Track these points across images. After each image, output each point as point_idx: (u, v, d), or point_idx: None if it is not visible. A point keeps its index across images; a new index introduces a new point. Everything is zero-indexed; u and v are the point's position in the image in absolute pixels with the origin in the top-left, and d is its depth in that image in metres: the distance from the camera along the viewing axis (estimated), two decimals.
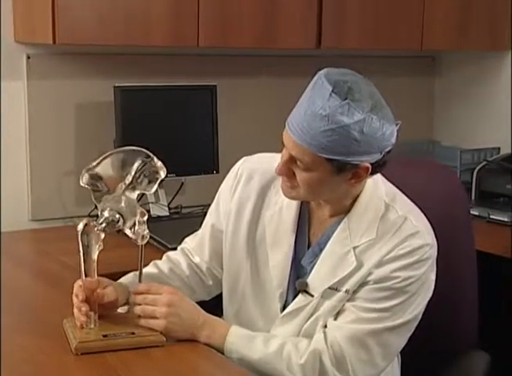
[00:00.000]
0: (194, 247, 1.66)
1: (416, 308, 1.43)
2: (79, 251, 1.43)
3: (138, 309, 1.45)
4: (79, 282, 1.45)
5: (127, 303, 1.52)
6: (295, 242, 1.50)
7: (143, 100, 2.46)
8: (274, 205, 1.52)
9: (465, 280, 1.73)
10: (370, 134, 1.32)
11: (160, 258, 1.68)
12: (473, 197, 2.76)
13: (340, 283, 1.43)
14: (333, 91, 1.31)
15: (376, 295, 1.40)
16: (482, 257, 1.87)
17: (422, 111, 3.32)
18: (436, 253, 1.45)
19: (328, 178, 1.38)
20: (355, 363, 1.39)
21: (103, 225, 1.42)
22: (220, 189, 1.64)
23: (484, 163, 2.83)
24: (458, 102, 3.27)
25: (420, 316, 1.46)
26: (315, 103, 1.33)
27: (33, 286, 1.89)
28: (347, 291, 1.43)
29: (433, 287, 1.46)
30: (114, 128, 2.41)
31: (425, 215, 1.47)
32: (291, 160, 1.39)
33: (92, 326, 1.44)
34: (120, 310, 1.53)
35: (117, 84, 2.41)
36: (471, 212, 1.95)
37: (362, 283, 1.42)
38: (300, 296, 1.47)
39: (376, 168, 1.39)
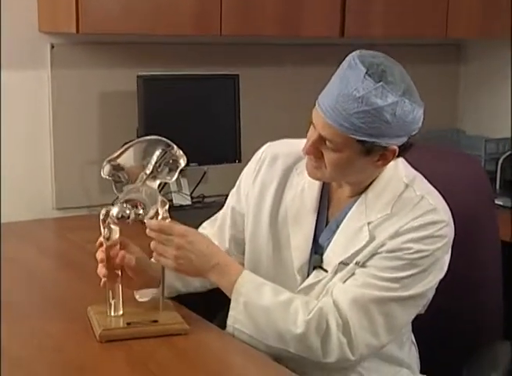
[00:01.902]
0: (214, 233, 1.67)
1: (425, 285, 1.42)
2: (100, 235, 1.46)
3: (152, 244, 1.46)
4: (99, 250, 1.48)
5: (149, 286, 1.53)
6: (316, 222, 1.51)
7: (166, 89, 2.47)
8: (296, 186, 1.54)
9: (490, 270, 1.72)
10: (402, 117, 1.35)
11: None
12: (497, 187, 2.74)
13: (352, 257, 1.45)
14: (367, 73, 1.33)
15: (387, 264, 1.40)
16: (506, 247, 1.86)
17: (447, 100, 3.29)
18: (452, 235, 1.45)
19: (356, 160, 1.39)
20: (358, 328, 1.39)
21: (115, 220, 1.43)
22: (242, 173, 1.65)
23: (509, 153, 2.81)
24: (483, 90, 3.24)
25: (429, 296, 1.46)
26: (348, 84, 1.34)
27: (57, 274, 1.92)
28: (357, 263, 1.44)
29: (445, 268, 1.46)
30: (137, 118, 2.43)
31: (448, 203, 1.47)
32: (320, 141, 1.40)
33: (117, 313, 1.46)
34: (143, 299, 1.55)
35: (140, 74, 2.42)
36: (495, 202, 1.93)
37: (374, 254, 1.42)
38: (315, 272, 1.49)
39: (403, 150, 1.42)
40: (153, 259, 1.48)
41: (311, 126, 1.43)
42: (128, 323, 1.43)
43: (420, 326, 1.57)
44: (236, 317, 1.44)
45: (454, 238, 1.46)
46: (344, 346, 1.39)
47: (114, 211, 1.41)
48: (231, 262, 1.49)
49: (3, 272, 1.82)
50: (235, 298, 1.43)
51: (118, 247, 1.46)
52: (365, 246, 1.43)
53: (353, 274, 1.44)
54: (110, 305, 1.46)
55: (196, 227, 1.79)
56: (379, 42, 1.48)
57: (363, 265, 1.43)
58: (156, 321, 1.45)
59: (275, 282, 1.51)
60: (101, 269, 1.47)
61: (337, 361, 1.40)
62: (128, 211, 1.41)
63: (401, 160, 1.49)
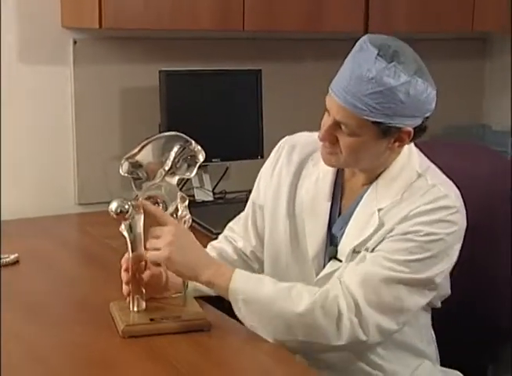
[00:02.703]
0: (240, 231, 1.69)
1: (435, 271, 1.41)
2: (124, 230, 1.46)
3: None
4: (126, 254, 1.48)
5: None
6: (330, 211, 1.52)
7: (188, 85, 2.48)
8: (311, 176, 1.56)
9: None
10: (416, 96, 1.36)
11: (205, 245, 1.69)
12: None
13: (363, 244, 1.45)
14: (378, 54, 1.35)
15: (396, 246, 1.40)
16: None
17: (472, 95, 3.26)
18: (464, 225, 1.44)
19: (372, 143, 1.40)
20: (368, 307, 1.38)
21: (114, 215, 1.42)
22: (262, 168, 1.67)
23: None
24: (509, 85, 3.20)
25: (438, 284, 1.44)
26: (360, 66, 1.35)
27: (80, 269, 1.93)
28: (366, 249, 1.44)
29: (455, 258, 1.44)
30: (159, 113, 2.43)
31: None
32: (335, 126, 1.41)
33: (139, 309, 1.46)
34: (176, 294, 1.55)
35: (162, 69, 2.43)
36: None
37: (383, 239, 1.42)
38: (330, 263, 1.50)
39: (418, 132, 1.42)
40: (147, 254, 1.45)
41: (326, 113, 1.44)
42: (151, 319, 1.44)
43: (438, 320, 1.57)
44: (239, 316, 1.43)
45: (475, 232, 1.46)
46: (355, 326, 1.37)
47: (113, 205, 1.41)
48: (223, 264, 1.49)
49: (25, 267, 1.84)
50: (233, 298, 1.42)
51: (143, 263, 1.47)
52: (374, 232, 1.43)
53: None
54: (133, 301, 1.47)
55: (220, 225, 1.82)
56: (402, 37, 1.47)
57: (373, 251, 1.43)
58: (179, 317, 1.45)
59: (296, 274, 1.51)
60: (125, 289, 1.48)
61: (349, 343, 1.38)
62: (126, 206, 1.41)
63: (415, 150, 1.50)
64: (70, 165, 2.48)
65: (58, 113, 2.44)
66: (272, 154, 1.65)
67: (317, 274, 1.50)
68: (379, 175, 1.48)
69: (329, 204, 1.52)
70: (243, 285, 1.41)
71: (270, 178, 1.61)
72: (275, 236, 1.59)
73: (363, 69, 1.35)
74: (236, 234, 1.70)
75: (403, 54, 1.36)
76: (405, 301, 1.40)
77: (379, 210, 1.44)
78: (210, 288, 1.46)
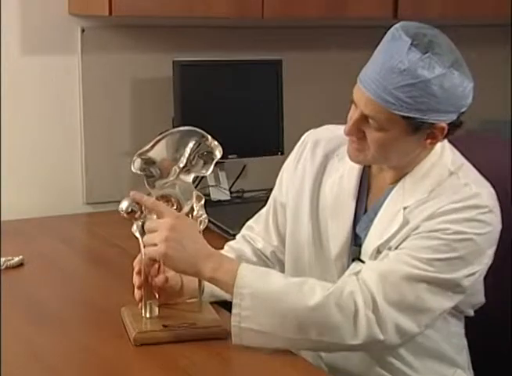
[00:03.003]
0: (260, 230, 1.69)
1: (461, 273, 1.38)
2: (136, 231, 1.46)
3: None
4: (138, 255, 1.48)
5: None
6: (355, 210, 1.52)
7: (204, 76, 2.48)
8: (335, 172, 1.55)
9: None
10: (451, 90, 1.34)
11: (222, 247, 1.70)
12: None
13: (386, 243, 1.44)
14: (412, 44, 1.33)
15: (421, 243, 1.38)
16: None
17: (509, 86, 3.23)
18: (499, 227, 1.42)
19: (401, 139, 1.39)
20: (386, 304, 1.35)
21: (124, 215, 1.43)
22: (285, 163, 1.67)
23: None
24: None
25: (465, 288, 1.41)
26: (392, 57, 1.34)
27: (88, 272, 1.94)
28: (389, 248, 1.43)
29: (487, 262, 1.42)
30: (173, 106, 2.43)
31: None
32: (362, 119, 1.40)
33: (152, 315, 1.47)
34: (191, 300, 1.55)
35: (176, 59, 2.43)
36: None
37: (407, 237, 1.41)
38: (353, 264, 1.50)
39: (452, 129, 1.41)
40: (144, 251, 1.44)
41: (353, 105, 1.43)
42: (165, 326, 1.44)
43: (471, 328, 1.57)
44: (241, 315, 1.38)
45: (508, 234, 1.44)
46: (372, 324, 1.35)
47: (124, 204, 1.42)
48: (224, 255, 1.48)
49: (30, 270, 1.85)
50: (238, 293, 1.38)
51: (157, 266, 1.47)
52: (398, 230, 1.42)
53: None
54: (146, 306, 1.47)
55: (237, 226, 1.83)
56: (435, 23, 1.46)
57: (396, 249, 1.42)
58: (194, 324, 1.45)
59: (317, 276, 1.50)
60: (137, 293, 1.48)
61: (366, 343, 1.36)
62: (138, 205, 1.41)
63: (449, 146, 1.49)
64: (78, 162, 2.49)
65: (64, 106, 2.45)
66: (295, 149, 1.65)
67: (339, 276, 1.50)
68: (408, 172, 1.47)
69: (354, 202, 1.52)
70: (250, 278, 1.39)
71: (293, 175, 1.62)
72: (297, 236, 1.59)
73: (395, 60, 1.33)
74: (255, 234, 1.70)
75: (439, 44, 1.35)
76: (427, 302, 1.38)
77: (404, 208, 1.43)
78: (213, 284, 1.44)
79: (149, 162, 1.45)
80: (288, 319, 1.37)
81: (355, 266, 1.49)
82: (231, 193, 2.56)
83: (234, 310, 1.39)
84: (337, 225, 1.52)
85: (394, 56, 1.34)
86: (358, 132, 1.42)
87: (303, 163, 1.61)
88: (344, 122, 1.49)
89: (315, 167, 1.58)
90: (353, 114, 1.43)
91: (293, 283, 1.40)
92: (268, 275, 1.42)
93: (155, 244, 1.39)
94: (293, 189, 1.61)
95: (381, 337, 1.36)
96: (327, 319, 1.36)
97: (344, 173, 1.54)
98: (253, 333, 1.38)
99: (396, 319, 1.37)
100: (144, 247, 1.44)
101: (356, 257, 1.50)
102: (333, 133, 1.59)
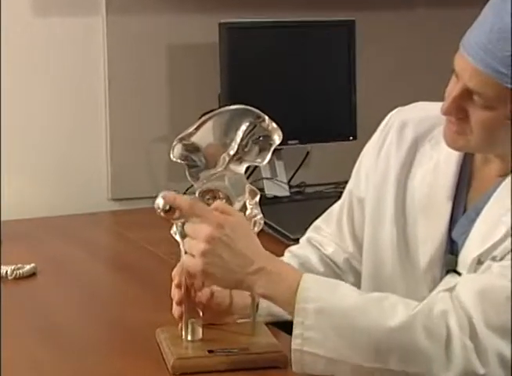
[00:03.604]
0: (331, 232, 1.69)
1: None
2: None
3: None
4: (179, 264, 1.49)
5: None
6: (452, 210, 1.50)
7: (257, 41, 2.50)
8: (428, 162, 1.54)
9: None
10: None
11: (281, 254, 1.69)
12: None
13: (489, 252, 1.42)
14: None
15: None
16: None
17: None
18: None
19: None
20: (486, 329, 1.33)
21: (161, 214, 1.42)
22: (364, 149, 1.67)
23: None
24: None
25: None
26: (505, 17, 1.33)
27: (115, 283, 1.97)
28: (493, 258, 1.41)
29: None
30: (219, 79, 2.45)
31: None
32: (465, 95, 1.39)
33: (195, 337, 1.48)
34: (242, 319, 1.55)
35: (222, 21, 2.44)
36: None
37: None
38: (447, 277, 1.49)
39: None
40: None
41: (453, 78, 1.42)
42: (210, 351, 1.44)
43: None
44: (304, 336, 1.36)
45: None
46: (469, 353, 1.33)
47: (161, 200, 1.41)
48: (284, 267, 1.44)
49: (44, 280, 1.88)
50: (301, 309, 1.36)
51: (201, 279, 1.46)
52: (505, 236, 1.40)
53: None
54: (187, 326, 1.47)
55: (299, 229, 1.83)
56: None
57: (501, 260, 1.40)
58: (246, 349, 1.45)
59: (402, 290, 1.50)
60: (176, 311, 1.49)
61: None
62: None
63: None
64: (102, 149, 2.53)
65: (86, 79, 2.49)
66: (378, 133, 1.64)
67: (430, 291, 1.49)
68: None
69: (451, 200, 1.51)
70: (315, 291, 1.37)
71: (374, 164, 1.61)
72: (377, 240, 1.58)
73: (509, 21, 1.33)
74: (324, 237, 1.70)
75: None
76: None
77: None
78: (268, 301, 1.43)
79: (191, 149, 1.45)
80: (362, 342, 1.36)
81: (450, 280, 1.47)
82: (290, 187, 2.57)
83: (295, 330, 1.38)
84: (429, 228, 1.51)
85: (504, 16, 1.33)
86: (458, 111, 1.41)
87: (387, 149, 1.60)
88: (436, 99, 1.48)
89: (403, 154, 1.57)
90: (453, 89, 1.41)
91: (369, 298, 1.40)
92: (337, 287, 1.41)
93: (193, 254, 1.40)
94: (374, 182, 1.60)
95: (481, 371, 1.34)
96: (412, 344, 1.35)
97: (439, 162, 1.53)
98: (318, 359, 1.37)
99: (499, 347, 1.35)
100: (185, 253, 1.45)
101: (451, 268, 1.49)
102: (425, 112, 1.58)
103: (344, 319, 1.36)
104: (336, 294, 1.39)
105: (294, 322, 1.38)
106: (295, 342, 1.38)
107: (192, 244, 1.39)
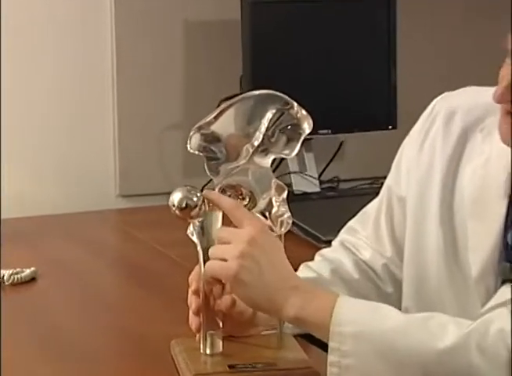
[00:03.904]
0: (368, 234, 1.69)
1: None
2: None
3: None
4: (196, 268, 1.48)
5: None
6: (507, 210, 1.49)
7: (284, 18, 2.49)
8: (479, 156, 1.53)
9: None
10: None
11: (311, 259, 1.70)
12: None
13: None
14: None
15: None
16: None
17: None
18: None
19: None
20: None
21: (176, 212, 1.42)
22: (405, 140, 1.66)
23: None
24: None
25: None
26: None
27: (124, 290, 1.97)
28: None
29: None
30: (241, 60, 2.45)
31: None
32: None
33: (214, 351, 1.47)
34: (268, 331, 1.54)
35: None
36: None
37: None
38: (503, 287, 1.47)
39: None
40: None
41: (506, 60, 1.41)
42: (231, 366, 1.44)
43: None
44: (342, 364, 1.36)
45: None
46: None
47: (176, 197, 1.41)
48: (317, 288, 1.46)
49: (45, 285, 1.89)
50: (337, 332, 1.36)
51: (221, 285, 1.46)
52: None
53: None
54: (205, 338, 1.47)
55: (331, 230, 1.82)
56: None
57: None
58: (272, 364, 1.45)
59: (450, 303, 1.50)
60: (193, 321, 1.49)
61: None
62: (195, 199, 1.41)
63: None
64: (109, 138, 2.54)
65: (91, 62, 2.50)
66: (420, 122, 1.63)
67: (483, 304, 1.47)
68: None
69: (506, 199, 1.49)
70: (352, 313, 1.38)
71: (417, 157, 1.60)
72: (421, 245, 1.57)
73: None
74: (360, 239, 1.69)
75: None
76: None
77: None
78: (299, 326, 1.45)
79: (211, 139, 1.45)
80: (409, 367, 1.35)
81: (506, 291, 1.46)
82: (321, 182, 2.57)
83: (331, 357, 1.37)
84: (480, 232, 1.50)
85: None
86: None
87: (432, 141, 1.59)
88: (487, 83, 1.47)
89: (450, 147, 1.56)
90: (508, 72, 1.40)
91: (414, 318, 1.39)
92: (377, 308, 1.41)
93: (224, 259, 1.40)
94: (416, 178, 1.59)
95: None
96: (465, 367, 1.34)
97: (492, 157, 1.52)
98: None
99: None
100: (205, 259, 1.45)
101: (507, 277, 1.48)
102: (475, 99, 1.57)
103: (387, 342, 1.36)
104: (375, 315, 1.38)
105: (330, 347, 1.37)
106: (332, 371, 1.37)
107: (227, 247, 1.40)
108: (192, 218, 1.44)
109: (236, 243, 1.39)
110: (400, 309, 1.56)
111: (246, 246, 1.38)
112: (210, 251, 1.43)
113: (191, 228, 1.46)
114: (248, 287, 1.39)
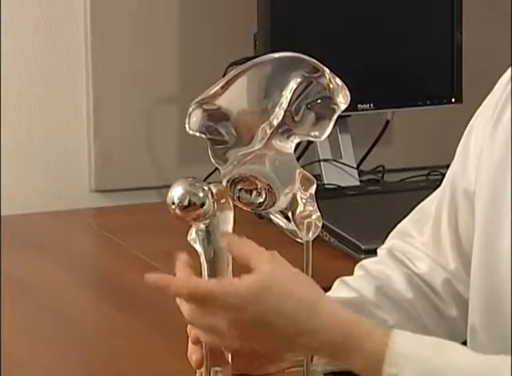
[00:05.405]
0: (424, 241, 1.70)
1: None
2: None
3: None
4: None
5: None
6: None
7: None
8: None
9: None
10: None
11: (350, 273, 1.72)
12: None
13: None
14: None
15: None
16: None
17: None
18: None
19: None
20: None
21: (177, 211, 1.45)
22: (474, 118, 1.68)
23: None
24: None
25: None
26: None
27: (101, 312, 1.99)
28: None
29: None
30: (255, 14, 2.45)
31: None
32: None
33: None
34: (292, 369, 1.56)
35: None
36: None
37: None
38: None
39: None
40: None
41: None
42: None
43: None
44: None
45: None
46: None
47: (176, 192, 1.42)
48: (362, 330, 1.43)
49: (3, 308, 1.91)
50: (391, 373, 1.38)
51: None
52: None
53: None
54: None
55: (373, 236, 1.84)
56: None
57: None
58: None
59: None
60: (194, 353, 1.51)
61: None
62: (201, 194, 1.43)
63: None
64: (83, 122, 2.57)
65: (61, 22, 2.53)
66: (493, 97, 1.64)
67: None
68: None
69: None
70: (411, 350, 1.41)
71: (490, 140, 1.61)
72: (494, 254, 1.58)
73: None
74: (414, 247, 1.71)
75: None
76: None
77: None
78: (334, 363, 1.49)
79: (217, 116, 1.45)
80: None
81: None
82: (361, 173, 2.60)
83: None
84: None
85: None
86: None
87: (509, 120, 1.62)
88: None
89: None
90: None
91: (486, 360, 1.41)
92: (441, 345, 1.43)
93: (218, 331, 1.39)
94: (489, 168, 1.60)
95: None
96: None
97: None
98: None
99: None
100: (210, 274, 1.46)
101: None
102: None
103: None
104: (439, 352, 1.41)
105: None
106: None
107: (219, 317, 1.37)
108: (195, 219, 1.46)
109: (229, 322, 1.36)
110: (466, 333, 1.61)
111: (238, 329, 1.36)
112: (196, 322, 1.41)
113: (193, 234, 1.47)
114: (262, 340, 1.40)
